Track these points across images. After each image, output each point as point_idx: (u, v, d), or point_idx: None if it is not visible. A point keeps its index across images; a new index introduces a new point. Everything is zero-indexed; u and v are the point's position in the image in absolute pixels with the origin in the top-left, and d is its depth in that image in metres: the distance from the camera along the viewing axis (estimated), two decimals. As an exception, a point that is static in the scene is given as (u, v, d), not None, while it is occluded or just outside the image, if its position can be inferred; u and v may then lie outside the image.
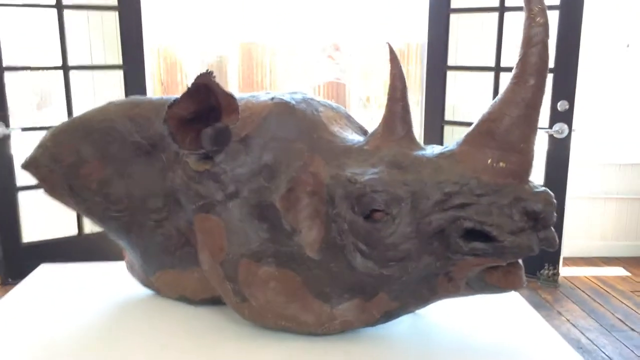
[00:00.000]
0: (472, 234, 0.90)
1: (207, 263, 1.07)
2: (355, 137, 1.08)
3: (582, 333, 3.30)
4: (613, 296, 3.86)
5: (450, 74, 3.98)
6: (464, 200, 0.90)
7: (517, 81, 0.90)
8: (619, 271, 4.33)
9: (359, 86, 6.11)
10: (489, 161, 0.91)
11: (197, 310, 1.19)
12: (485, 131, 0.92)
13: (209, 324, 1.13)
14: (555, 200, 0.91)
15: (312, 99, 1.13)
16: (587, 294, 3.84)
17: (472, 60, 3.93)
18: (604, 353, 3.03)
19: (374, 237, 0.95)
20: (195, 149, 0.99)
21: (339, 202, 0.98)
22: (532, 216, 0.88)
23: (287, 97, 1.09)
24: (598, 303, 3.73)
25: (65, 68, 3.65)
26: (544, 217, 0.89)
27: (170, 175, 1.11)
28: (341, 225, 0.98)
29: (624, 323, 3.45)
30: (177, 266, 1.17)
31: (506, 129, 0.90)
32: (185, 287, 1.19)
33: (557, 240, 0.92)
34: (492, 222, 0.88)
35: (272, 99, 1.09)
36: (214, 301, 1.15)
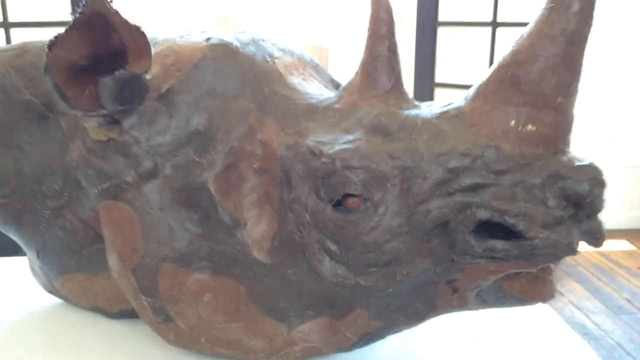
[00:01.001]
0: (488, 228, 0.69)
1: (116, 270, 0.85)
2: (323, 93, 0.88)
3: (587, 316, 3.09)
4: (618, 273, 3.65)
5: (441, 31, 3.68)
6: (476, 179, 0.69)
7: (554, 6, 0.66)
8: (623, 245, 4.12)
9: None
10: (513, 123, 0.69)
11: (112, 324, 0.99)
12: (508, 80, 0.69)
13: (129, 344, 0.93)
14: (604, 178, 0.67)
15: (263, 40, 0.90)
16: (590, 272, 3.64)
17: (466, 16, 3.63)
18: (613, 339, 2.79)
19: (347, 233, 0.75)
20: (94, 108, 0.75)
21: (298, 184, 0.79)
22: (573, 201, 0.67)
23: (228, 37, 0.87)
24: (603, 282, 3.53)
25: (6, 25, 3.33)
26: (591, 203, 0.66)
27: (71, 147, 0.89)
28: (301, 216, 0.79)
29: (632, 304, 3.24)
30: (86, 269, 0.97)
31: (538, 75, 0.67)
32: (98, 296, 0.98)
33: (604, 234, 0.69)
34: (518, 211, 0.66)
35: (208, 39, 0.86)
36: (136, 313, 0.91)
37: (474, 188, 0.69)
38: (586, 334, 2.89)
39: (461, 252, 0.72)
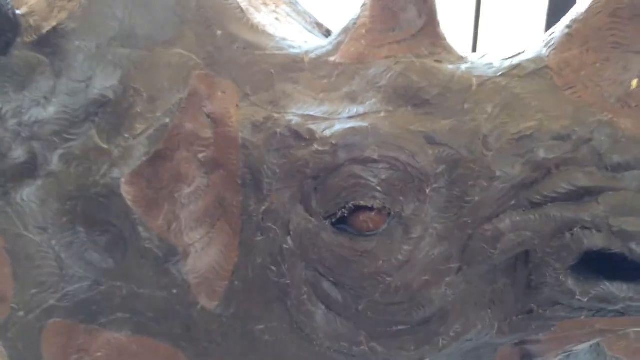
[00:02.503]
0: (591, 263, 0.56)
1: (-28, 330, 0.71)
2: (308, 40, 0.74)
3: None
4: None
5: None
6: (582, 180, 0.54)
7: None
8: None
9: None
10: (636, 83, 0.55)
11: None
12: (626, 11, 0.55)
13: None
14: None
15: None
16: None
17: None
18: None
19: (357, 270, 0.59)
20: None
21: (273, 187, 0.63)
22: None
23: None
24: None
25: None
26: None
27: None
28: (279, 241, 0.63)
29: None
30: None
31: None
32: None
33: None
34: None
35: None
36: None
37: (578, 195, 0.56)
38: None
39: (549, 301, 0.59)
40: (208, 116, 0.66)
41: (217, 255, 0.66)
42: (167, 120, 0.66)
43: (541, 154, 0.56)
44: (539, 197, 0.56)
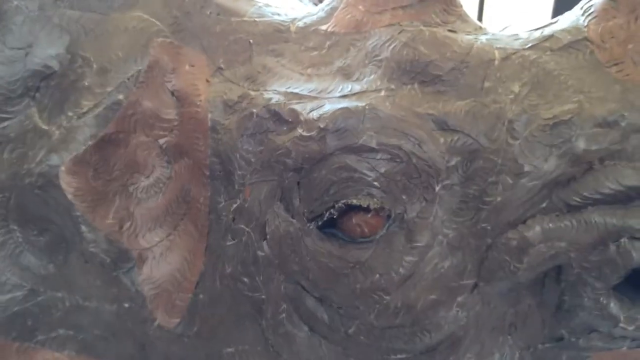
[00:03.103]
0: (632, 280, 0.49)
1: None
2: (295, 5, 0.68)
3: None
4: None
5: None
6: (636, 180, 0.47)
7: None
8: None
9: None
10: None
11: None
12: None
13: None
14: None
15: None
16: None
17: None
18: None
19: (348, 285, 0.51)
20: None
21: (247, 179, 0.54)
22: None
23: None
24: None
25: None
26: None
27: None
28: (253, 246, 0.54)
29: None
30: None
31: None
32: None
33: None
34: None
35: None
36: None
37: (627, 197, 0.49)
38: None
39: (584, 327, 0.52)
40: (172, 93, 0.58)
41: (180, 263, 0.57)
42: (121, 96, 0.58)
43: (581, 144, 0.48)
44: (577, 199, 0.48)
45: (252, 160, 0.53)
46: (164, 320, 0.57)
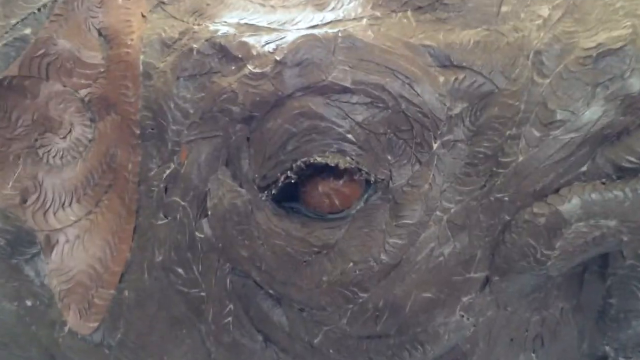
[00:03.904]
0: None
1: None
2: None
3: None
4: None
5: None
6: None
7: None
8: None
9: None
10: None
11: None
12: None
13: None
14: None
15: None
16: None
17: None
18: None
19: (313, 279, 0.42)
20: None
21: (185, 137, 0.44)
22: None
23: None
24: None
25: None
26: None
27: None
28: (188, 227, 0.44)
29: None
30: None
31: None
32: None
33: None
34: None
35: None
36: None
37: None
38: None
39: (637, 340, 0.44)
40: (99, 32, 0.48)
41: (100, 249, 0.47)
42: (27, 31, 0.49)
43: (637, 83, 0.38)
44: (632, 159, 0.38)
45: (190, 110, 0.43)
46: (78, 325, 0.47)
